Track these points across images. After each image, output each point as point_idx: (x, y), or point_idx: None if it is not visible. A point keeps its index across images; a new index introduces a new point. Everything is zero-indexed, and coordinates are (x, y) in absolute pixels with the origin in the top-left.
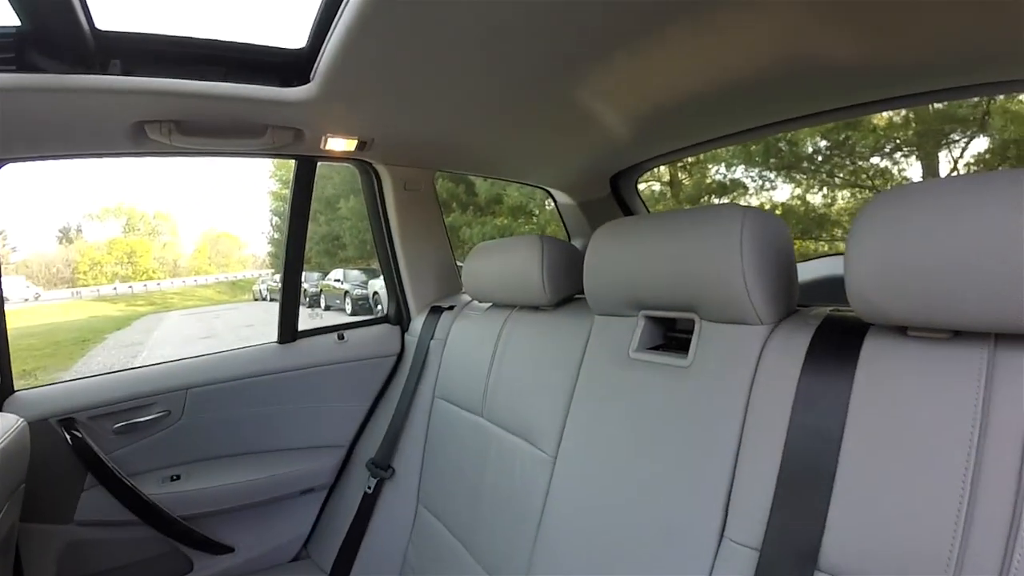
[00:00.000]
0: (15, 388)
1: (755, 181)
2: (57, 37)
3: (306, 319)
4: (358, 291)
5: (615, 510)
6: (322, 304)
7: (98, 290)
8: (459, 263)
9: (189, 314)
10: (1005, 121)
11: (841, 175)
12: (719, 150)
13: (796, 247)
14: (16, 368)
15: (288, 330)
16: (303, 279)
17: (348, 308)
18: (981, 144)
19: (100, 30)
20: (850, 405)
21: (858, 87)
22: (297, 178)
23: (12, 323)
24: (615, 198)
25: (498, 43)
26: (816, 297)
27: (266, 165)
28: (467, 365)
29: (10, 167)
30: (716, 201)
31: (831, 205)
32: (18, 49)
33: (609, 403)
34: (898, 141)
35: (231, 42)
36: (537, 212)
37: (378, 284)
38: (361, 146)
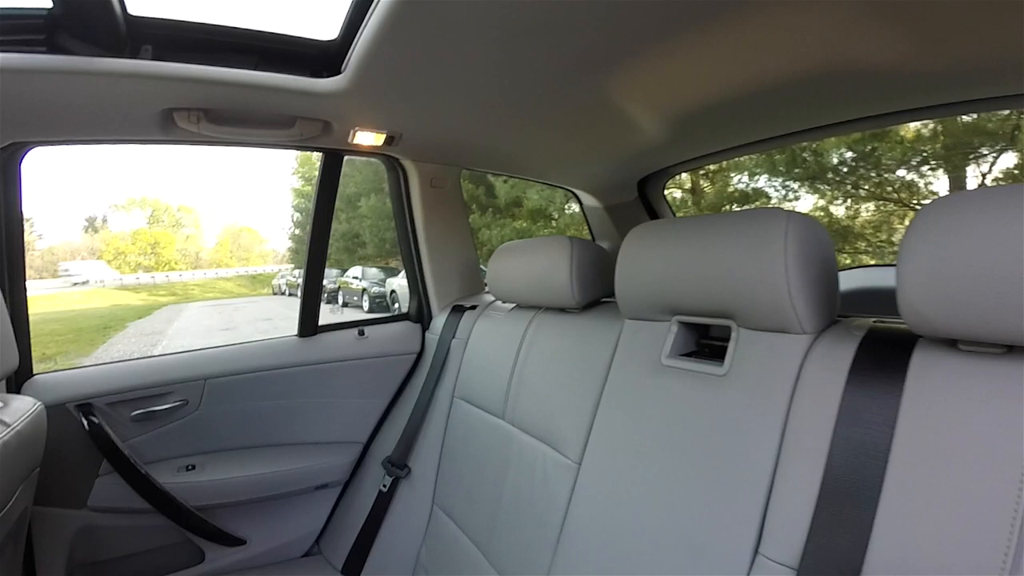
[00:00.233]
0: (34, 371)
1: (778, 191)
2: (89, 20)
3: (327, 314)
4: (376, 289)
5: (642, 521)
6: (340, 300)
7: (121, 279)
8: (482, 267)
9: (209, 306)
10: None
11: (866, 187)
12: (742, 158)
13: None
14: (38, 352)
15: (309, 324)
16: None
17: (365, 305)
18: (1010, 159)
19: (132, 15)
20: (898, 420)
21: (896, 94)
22: (323, 172)
23: (41, 307)
24: (642, 202)
25: (530, 41)
26: (850, 309)
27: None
28: (489, 366)
29: (38, 152)
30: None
31: (855, 217)
32: (49, 31)
33: (639, 410)
34: (925, 154)
35: (263, 31)
36: (556, 216)
37: (395, 283)
38: (389, 141)
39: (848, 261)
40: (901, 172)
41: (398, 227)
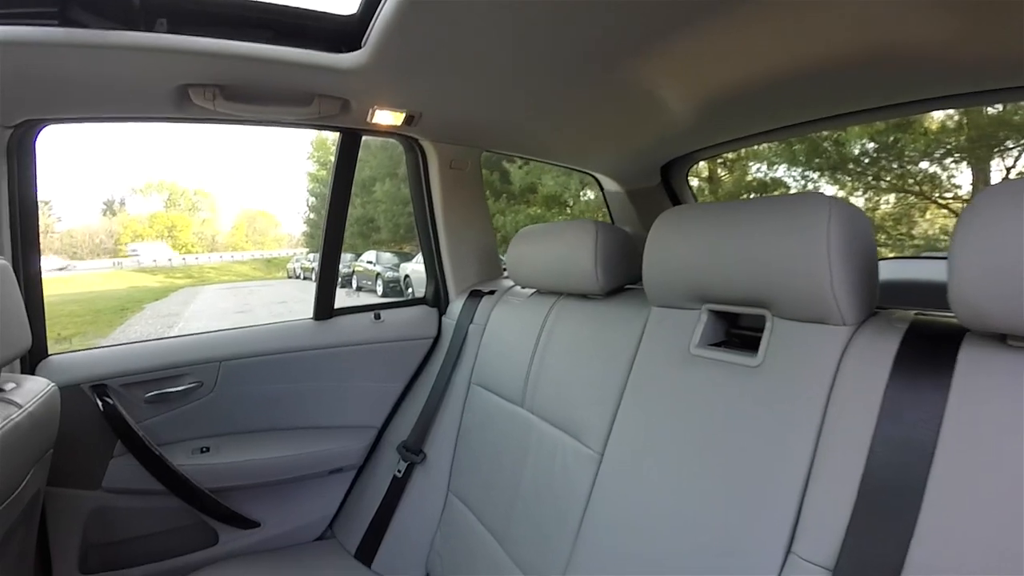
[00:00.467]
0: (49, 352)
1: (797, 181)
2: None
3: (342, 298)
4: (390, 273)
5: (667, 515)
6: (354, 284)
7: (138, 261)
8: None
9: (225, 288)
10: None
11: (888, 179)
12: (761, 147)
13: None
14: (56, 333)
15: (324, 307)
16: None
17: (379, 289)
18: None
19: None
20: (944, 417)
21: (929, 80)
22: (340, 153)
23: (58, 289)
24: (665, 188)
25: (554, 20)
26: (887, 301)
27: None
28: (508, 352)
29: (53, 130)
30: None
31: (875, 209)
32: (61, 3)
33: (666, 401)
34: (949, 147)
35: (280, 5)
36: (572, 203)
37: (409, 267)
38: (408, 120)
39: None
40: (924, 164)
41: (416, 210)
